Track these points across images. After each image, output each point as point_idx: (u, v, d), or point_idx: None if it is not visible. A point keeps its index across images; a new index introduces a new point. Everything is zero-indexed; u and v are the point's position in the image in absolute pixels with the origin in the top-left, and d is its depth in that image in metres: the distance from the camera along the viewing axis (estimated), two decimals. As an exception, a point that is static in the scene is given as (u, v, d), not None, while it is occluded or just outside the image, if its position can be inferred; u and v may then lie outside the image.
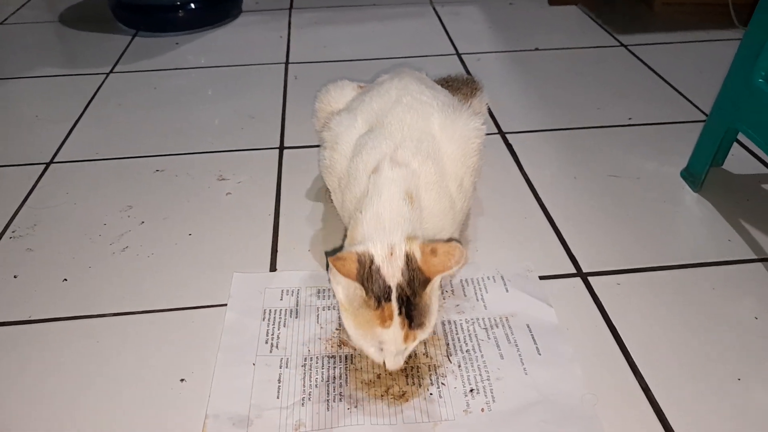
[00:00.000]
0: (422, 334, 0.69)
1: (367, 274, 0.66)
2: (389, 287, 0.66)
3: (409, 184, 0.75)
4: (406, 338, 0.67)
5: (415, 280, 0.67)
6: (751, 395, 0.73)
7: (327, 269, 0.76)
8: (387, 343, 0.67)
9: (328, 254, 0.70)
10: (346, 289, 0.67)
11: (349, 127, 0.84)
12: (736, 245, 0.95)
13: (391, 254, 0.67)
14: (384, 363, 0.70)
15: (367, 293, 0.65)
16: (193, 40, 1.74)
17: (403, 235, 0.69)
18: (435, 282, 0.68)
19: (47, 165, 1.18)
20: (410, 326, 0.67)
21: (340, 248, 0.88)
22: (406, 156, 0.77)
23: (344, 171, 0.82)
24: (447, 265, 0.67)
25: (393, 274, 0.66)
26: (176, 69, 1.57)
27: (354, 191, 0.78)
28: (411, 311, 0.66)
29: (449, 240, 0.79)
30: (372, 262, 0.66)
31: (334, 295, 0.85)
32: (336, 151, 0.84)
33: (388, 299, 0.65)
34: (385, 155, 0.77)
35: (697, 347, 0.79)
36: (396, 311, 0.66)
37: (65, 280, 0.91)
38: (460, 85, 1.00)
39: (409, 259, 0.67)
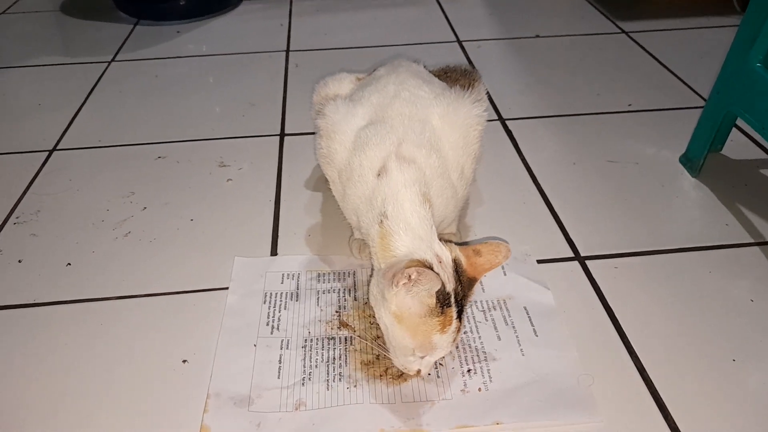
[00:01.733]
0: (459, 335, 0.69)
1: None
2: (449, 294, 0.66)
3: (421, 184, 0.74)
4: (454, 341, 0.68)
5: (464, 284, 0.68)
6: (746, 376, 0.74)
7: (371, 279, 0.74)
8: (439, 349, 0.67)
9: (382, 269, 0.68)
10: (402, 300, 0.65)
11: (347, 115, 0.83)
12: (733, 229, 0.95)
13: (440, 262, 0.67)
14: (417, 371, 0.70)
15: (436, 300, 0.65)
16: (194, 29, 1.75)
17: (438, 241, 0.70)
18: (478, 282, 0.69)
19: (50, 152, 1.19)
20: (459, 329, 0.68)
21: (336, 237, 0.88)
22: (411, 150, 0.77)
23: (344, 163, 0.81)
24: (495, 262, 0.69)
25: (448, 280, 0.67)
26: (177, 57, 1.58)
27: (360, 189, 0.78)
28: (461, 314, 0.68)
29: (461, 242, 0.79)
30: (432, 269, 0.65)
31: (337, 279, 0.87)
32: (334, 140, 0.83)
33: (449, 305, 0.66)
34: (390, 152, 0.76)
35: (693, 329, 0.80)
36: (455, 316, 0.66)
37: (69, 264, 0.92)
38: (458, 76, 1.00)
39: (457, 265, 0.68)
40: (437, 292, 0.65)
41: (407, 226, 0.70)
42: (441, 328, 0.65)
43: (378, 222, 0.72)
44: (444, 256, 0.68)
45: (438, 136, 0.80)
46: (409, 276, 0.63)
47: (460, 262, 0.69)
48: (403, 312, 0.66)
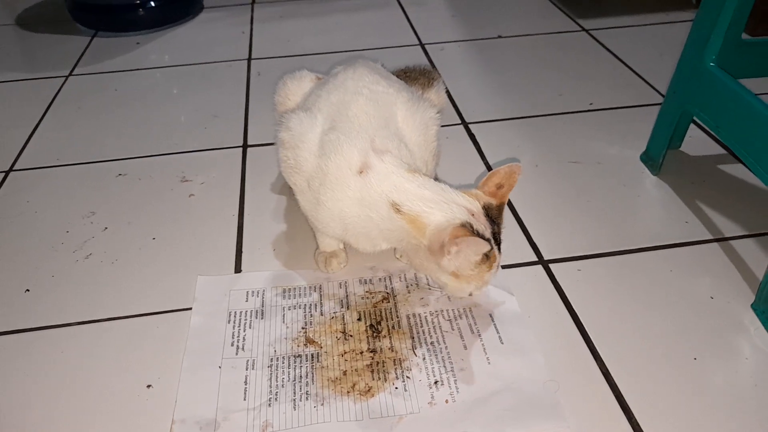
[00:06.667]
0: (500, 258, 0.78)
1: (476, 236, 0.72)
2: (488, 239, 0.73)
3: (404, 164, 0.78)
4: (498, 268, 0.78)
5: (496, 218, 0.76)
6: (706, 374, 0.75)
7: (443, 250, 0.78)
8: (489, 282, 0.78)
9: (427, 245, 0.74)
10: (456, 264, 0.73)
11: (311, 125, 0.84)
12: (693, 226, 0.97)
13: (473, 215, 0.73)
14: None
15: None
16: (154, 39, 1.72)
17: (459, 195, 0.75)
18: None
19: (7, 173, 1.16)
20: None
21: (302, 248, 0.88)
22: (384, 143, 0.79)
23: (314, 169, 0.81)
24: (513, 182, 0.78)
25: (486, 227, 0.74)
26: (137, 69, 1.55)
27: (341, 192, 0.78)
28: (500, 246, 0.77)
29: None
30: (472, 226, 0.72)
31: (302, 294, 0.86)
32: (301, 149, 0.83)
33: (491, 247, 0.73)
34: (367, 150, 0.78)
35: (655, 329, 0.81)
36: (497, 253, 0.76)
37: (27, 290, 0.90)
38: (418, 76, 1.01)
39: (487, 209, 0.75)
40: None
41: (425, 201, 0.74)
42: (489, 268, 0.75)
43: (395, 212, 0.75)
44: (474, 207, 0.75)
45: (402, 134, 0.83)
46: (455, 246, 0.70)
47: (489, 205, 0.76)
48: (458, 271, 0.74)
